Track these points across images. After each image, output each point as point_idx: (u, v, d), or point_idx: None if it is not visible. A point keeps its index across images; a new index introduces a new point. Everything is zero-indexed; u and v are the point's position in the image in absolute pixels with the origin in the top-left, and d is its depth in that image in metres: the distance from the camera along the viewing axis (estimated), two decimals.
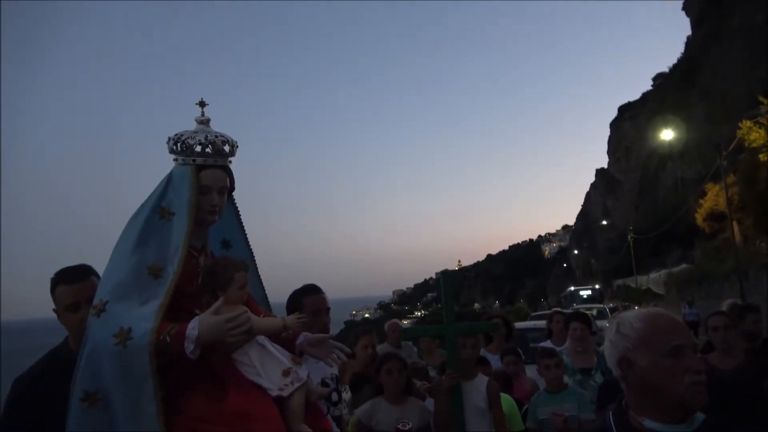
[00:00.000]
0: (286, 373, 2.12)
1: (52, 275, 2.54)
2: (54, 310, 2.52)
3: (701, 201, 34.83)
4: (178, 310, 2.08)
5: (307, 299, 3.14)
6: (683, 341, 1.60)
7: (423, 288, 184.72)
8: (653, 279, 40.88)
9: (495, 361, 5.54)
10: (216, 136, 2.27)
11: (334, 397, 3.48)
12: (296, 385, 2.10)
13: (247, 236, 2.59)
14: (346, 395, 4.30)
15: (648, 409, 1.62)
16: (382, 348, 5.87)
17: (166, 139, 2.28)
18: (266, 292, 2.67)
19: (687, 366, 1.57)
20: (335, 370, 3.32)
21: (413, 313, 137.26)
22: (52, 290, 2.51)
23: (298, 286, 3.36)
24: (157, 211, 2.20)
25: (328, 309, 3.20)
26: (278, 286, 3.25)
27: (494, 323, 5.69)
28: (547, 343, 5.63)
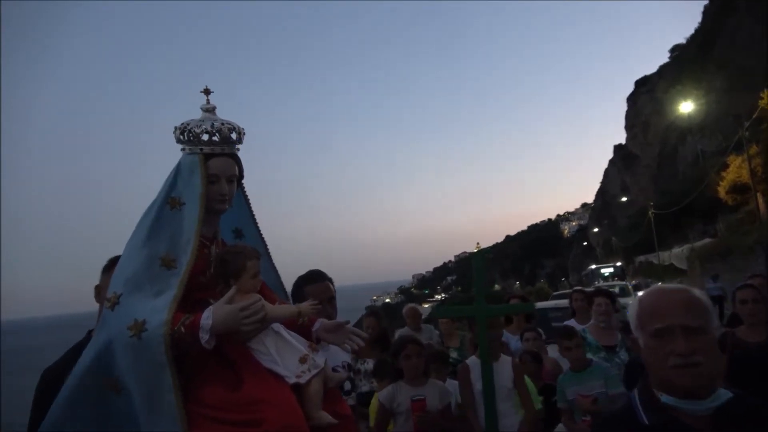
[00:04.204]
0: (303, 360, 2.11)
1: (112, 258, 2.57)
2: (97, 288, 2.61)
3: (723, 173, 34.25)
4: (191, 300, 2.08)
5: (309, 288, 2.98)
6: (669, 323, 1.56)
7: (442, 271, 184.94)
8: (676, 254, 40.37)
9: (515, 342, 5.50)
10: (222, 124, 2.24)
11: (347, 386, 3.43)
12: (313, 371, 2.09)
13: (258, 224, 2.56)
14: (364, 366, 4.32)
15: (661, 385, 1.61)
16: (401, 332, 5.86)
17: (173, 129, 2.26)
18: (284, 279, 2.64)
19: (671, 348, 1.54)
20: (347, 357, 3.25)
21: (433, 297, 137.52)
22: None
23: None
24: (167, 202, 2.19)
25: (332, 298, 3.05)
26: (297, 274, 3.16)
27: (530, 304, 5.64)
28: (571, 322, 5.57)
